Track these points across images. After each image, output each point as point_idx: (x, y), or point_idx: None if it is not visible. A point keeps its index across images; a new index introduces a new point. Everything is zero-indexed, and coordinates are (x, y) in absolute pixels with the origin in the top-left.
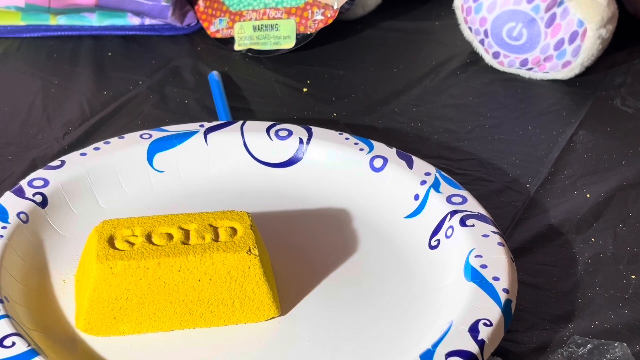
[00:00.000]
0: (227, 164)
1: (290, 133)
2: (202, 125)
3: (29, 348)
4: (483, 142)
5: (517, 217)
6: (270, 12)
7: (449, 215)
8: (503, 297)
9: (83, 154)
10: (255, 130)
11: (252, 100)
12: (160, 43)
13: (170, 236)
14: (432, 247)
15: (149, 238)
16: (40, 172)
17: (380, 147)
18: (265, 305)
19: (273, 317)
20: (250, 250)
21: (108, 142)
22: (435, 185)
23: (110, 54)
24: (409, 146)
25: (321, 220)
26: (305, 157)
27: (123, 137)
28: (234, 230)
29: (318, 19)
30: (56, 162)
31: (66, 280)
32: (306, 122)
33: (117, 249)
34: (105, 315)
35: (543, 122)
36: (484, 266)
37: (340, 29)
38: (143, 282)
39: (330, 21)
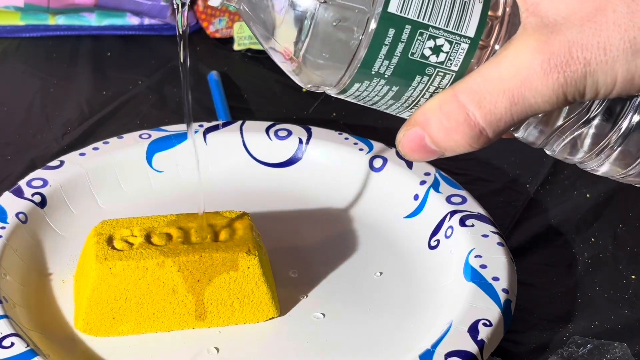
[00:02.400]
0: (227, 164)
1: (289, 133)
2: (201, 125)
3: (28, 348)
4: None
5: (517, 217)
6: None
7: (448, 215)
8: (503, 297)
9: (82, 154)
10: (255, 130)
11: (251, 100)
12: (159, 43)
13: (169, 236)
14: (431, 247)
15: (148, 238)
16: (39, 172)
17: (379, 147)
18: (264, 305)
19: (272, 318)
20: (249, 250)
21: (107, 142)
22: (435, 185)
23: (109, 53)
24: None
25: (320, 220)
26: (305, 157)
27: (122, 137)
28: (233, 230)
29: None
30: (55, 162)
31: (65, 281)
32: (305, 122)
33: (116, 249)
34: (104, 315)
35: None
36: (483, 266)
37: None
38: (142, 282)
39: None
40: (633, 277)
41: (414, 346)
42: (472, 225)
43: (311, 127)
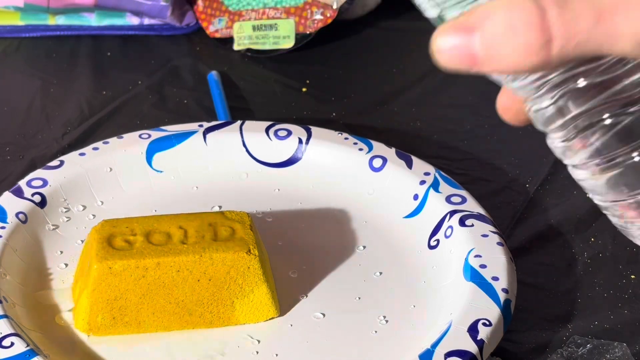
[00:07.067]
0: (226, 164)
1: (289, 133)
2: (201, 125)
3: (28, 348)
4: (482, 141)
5: (517, 217)
6: (269, 11)
7: (448, 215)
8: (502, 297)
9: (82, 154)
10: (255, 130)
11: (251, 100)
12: (159, 43)
13: (169, 236)
14: (431, 247)
15: (148, 237)
16: (39, 172)
17: (379, 147)
18: (264, 305)
19: (272, 318)
20: (249, 250)
21: (107, 142)
22: (435, 185)
23: (109, 53)
24: (408, 146)
25: (320, 220)
26: (305, 157)
27: (122, 137)
28: (233, 231)
29: (317, 19)
30: (55, 162)
31: (65, 281)
32: (305, 122)
33: (116, 249)
34: (104, 315)
35: None
36: (483, 266)
37: (339, 28)
38: (142, 282)
39: (329, 21)
40: (633, 277)
41: (414, 346)
42: (472, 225)
43: (311, 127)
